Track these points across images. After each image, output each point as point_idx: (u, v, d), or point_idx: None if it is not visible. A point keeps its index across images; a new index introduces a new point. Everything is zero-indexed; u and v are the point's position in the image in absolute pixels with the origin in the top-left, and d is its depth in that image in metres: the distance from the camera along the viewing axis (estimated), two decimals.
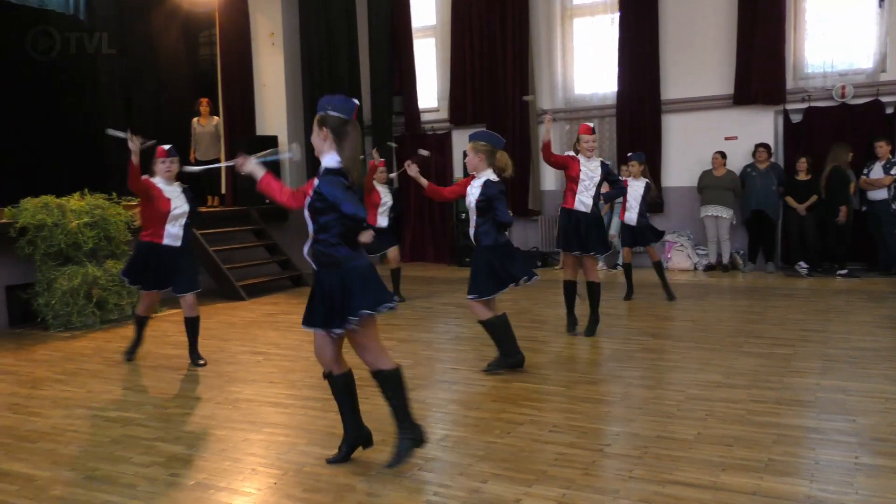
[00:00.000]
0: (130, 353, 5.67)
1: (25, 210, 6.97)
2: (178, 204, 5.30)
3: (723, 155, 9.41)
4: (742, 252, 9.62)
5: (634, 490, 2.99)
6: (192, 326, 5.49)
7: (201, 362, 5.43)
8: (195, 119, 10.37)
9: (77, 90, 10.80)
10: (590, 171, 5.82)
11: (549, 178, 10.90)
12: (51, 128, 9.59)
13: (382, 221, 7.67)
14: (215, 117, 10.48)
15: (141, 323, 5.64)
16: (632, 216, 7.49)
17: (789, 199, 9.04)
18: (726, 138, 9.65)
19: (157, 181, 5.29)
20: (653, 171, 10.05)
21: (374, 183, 7.50)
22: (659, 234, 7.77)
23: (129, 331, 6.82)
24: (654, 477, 3.11)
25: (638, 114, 10.04)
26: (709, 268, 9.62)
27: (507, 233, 5.03)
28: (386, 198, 7.69)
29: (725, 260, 9.51)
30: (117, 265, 7.31)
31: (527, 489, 3.03)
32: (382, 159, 7.75)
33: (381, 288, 3.23)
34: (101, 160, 10.92)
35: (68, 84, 10.62)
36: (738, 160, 9.49)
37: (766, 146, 9.25)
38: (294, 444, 3.68)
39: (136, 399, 4.60)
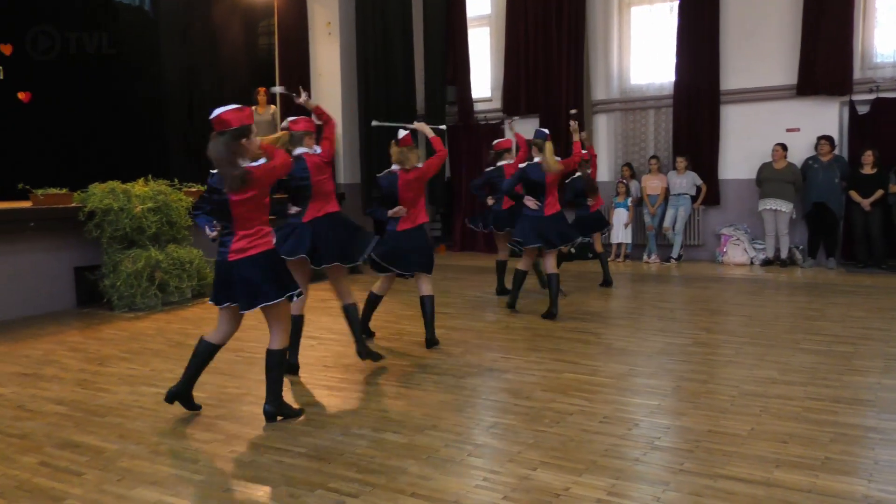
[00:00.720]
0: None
1: (93, 195, 7.26)
2: None
3: (783, 147, 9.17)
4: (801, 247, 9.36)
5: (685, 483, 2.98)
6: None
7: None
8: (252, 108, 10.57)
9: (142, 79, 11.15)
10: None
11: (602, 169, 10.78)
12: (117, 116, 9.92)
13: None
14: (272, 106, 10.68)
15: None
16: None
17: (853, 194, 8.76)
18: (788, 130, 9.39)
19: None
20: (709, 163, 9.88)
21: None
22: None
23: (188, 313, 7.08)
24: (705, 471, 3.09)
25: (696, 105, 9.85)
26: (766, 262, 9.40)
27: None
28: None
29: (784, 255, 9.27)
30: (178, 249, 7.58)
31: (576, 478, 3.05)
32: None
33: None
34: (165, 148, 11.27)
35: (134, 74, 10.98)
36: (799, 153, 9.23)
37: (829, 138, 8.97)
38: (347, 427, 3.77)
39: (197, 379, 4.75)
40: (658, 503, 2.81)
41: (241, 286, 3.72)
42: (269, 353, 3.88)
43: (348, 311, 4.97)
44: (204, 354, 4.01)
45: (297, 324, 4.70)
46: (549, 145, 6.15)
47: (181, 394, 4.02)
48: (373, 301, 5.65)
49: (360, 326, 5.08)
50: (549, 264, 6.30)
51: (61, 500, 2.99)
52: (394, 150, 5.32)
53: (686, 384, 4.37)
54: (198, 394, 4.40)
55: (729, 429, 3.59)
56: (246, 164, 3.64)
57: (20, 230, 6.88)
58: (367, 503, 2.88)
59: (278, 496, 2.99)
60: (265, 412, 3.87)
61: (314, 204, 4.69)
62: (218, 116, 3.63)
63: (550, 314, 6.28)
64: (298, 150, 4.62)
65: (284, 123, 4.76)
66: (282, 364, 3.93)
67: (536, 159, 6.16)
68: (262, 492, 3.03)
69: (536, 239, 6.16)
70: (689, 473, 3.07)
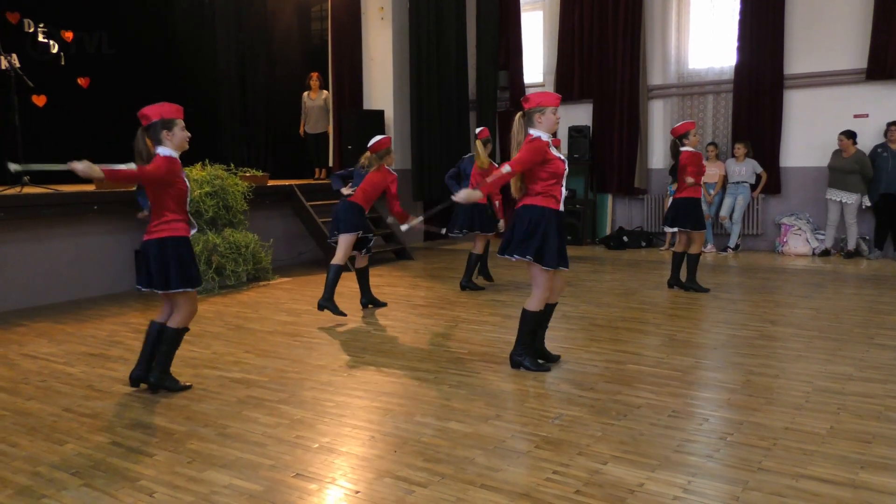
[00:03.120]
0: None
1: None
2: None
3: (848, 135, 8.78)
4: (868, 238, 9.03)
5: (765, 482, 2.87)
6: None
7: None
8: (305, 93, 10.64)
9: (198, 66, 11.30)
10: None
11: (657, 157, 10.56)
12: (174, 101, 10.07)
13: None
14: (325, 91, 10.71)
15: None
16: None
17: None
18: (855, 116, 9.05)
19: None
20: (770, 150, 9.57)
21: None
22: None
23: (245, 297, 7.16)
24: (786, 470, 2.97)
25: (757, 90, 9.55)
26: (824, 253, 9.10)
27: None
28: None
29: (851, 246, 8.96)
30: (235, 234, 7.66)
31: (650, 474, 2.97)
32: None
33: None
34: (221, 133, 11.41)
35: (190, 61, 11.14)
36: (867, 140, 8.89)
37: None
38: (410, 414, 3.75)
39: (257, 363, 4.81)
40: (738, 503, 2.72)
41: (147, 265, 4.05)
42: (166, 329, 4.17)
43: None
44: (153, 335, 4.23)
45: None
46: (478, 143, 7.00)
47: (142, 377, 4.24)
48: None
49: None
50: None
51: (136, 480, 3.02)
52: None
53: (756, 378, 4.23)
54: (257, 377, 4.45)
55: (806, 426, 3.45)
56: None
57: (84, 213, 7.04)
58: (437, 493, 2.85)
59: (347, 483, 2.97)
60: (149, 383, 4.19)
61: None
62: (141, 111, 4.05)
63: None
64: None
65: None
66: (176, 342, 4.19)
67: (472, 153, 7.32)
68: (330, 478, 3.02)
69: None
70: (768, 472, 2.96)
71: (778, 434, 3.37)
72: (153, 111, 4.03)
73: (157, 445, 3.41)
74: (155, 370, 4.17)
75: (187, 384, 4.25)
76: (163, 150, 4.01)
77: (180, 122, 4.10)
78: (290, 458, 3.22)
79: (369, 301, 6.57)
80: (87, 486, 2.99)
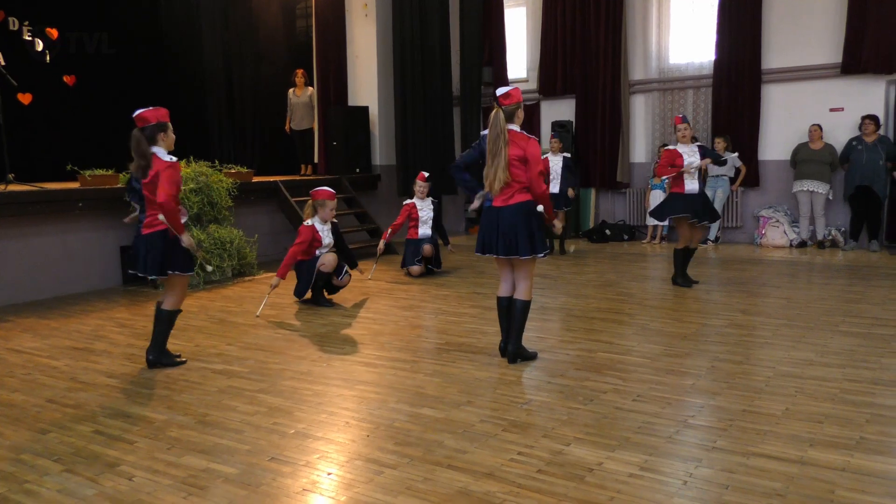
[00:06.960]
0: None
1: None
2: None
3: (820, 127, 9.01)
4: (843, 229, 9.20)
5: (717, 460, 3.01)
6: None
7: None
8: (291, 90, 10.72)
9: (185, 64, 11.37)
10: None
11: (639, 151, 10.71)
12: (161, 99, 10.12)
13: None
14: (310, 88, 10.80)
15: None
16: (554, 187, 8.89)
17: None
18: (831, 109, 9.21)
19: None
20: (749, 144, 9.72)
21: None
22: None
23: (229, 291, 7.27)
24: (738, 449, 3.12)
25: (736, 84, 9.70)
26: (800, 245, 9.28)
27: None
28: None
29: (820, 236, 9.14)
30: (220, 230, 7.75)
31: (609, 454, 3.10)
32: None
33: None
34: (206, 130, 11.49)
35: (177, 59, 11.20)
36: (842, 133, 9.05)
37: (873, 118, 8.77)
38: (384, 402, 3.87)
39: (239, 354, 4.92)
40: (690, 478, 2.85)
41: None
42: (161, 310, 4.63)
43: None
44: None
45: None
46: None
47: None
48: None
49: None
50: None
51: (115, 465, 3.14)
52: None
53: (721, 364, 4.37)
54: (238, 368, 4.57)
55: (763, 408, 3.60)
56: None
57: (69, 210, 7.12)
58: (405, 474, 2.98)
59: (319, 465, 3.10)
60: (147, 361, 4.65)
61: None
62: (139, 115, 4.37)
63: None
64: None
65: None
66: (171, 322, 4.67)
67: None
68: (304, 461, 3.14)
69: None
70: (721, 451, 3.10)
71: (735, 416, 3.51)
72: (151, 114, 4.38)
73: (138, 433, 3.52)
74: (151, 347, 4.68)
75: (182, 360, 4.76)
76: (158, 151, 4.40)
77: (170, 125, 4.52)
78: (265, 444, 3.34)
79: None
80: (69, 471, 3.10)
